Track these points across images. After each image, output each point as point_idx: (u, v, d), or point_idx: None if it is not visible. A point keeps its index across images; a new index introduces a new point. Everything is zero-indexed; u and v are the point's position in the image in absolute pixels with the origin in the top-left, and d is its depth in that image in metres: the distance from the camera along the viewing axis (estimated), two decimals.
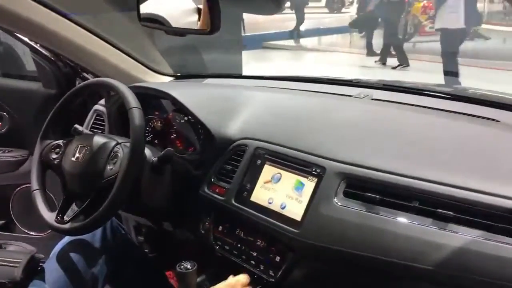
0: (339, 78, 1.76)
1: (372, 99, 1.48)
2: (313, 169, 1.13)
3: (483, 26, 10.09)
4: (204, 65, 2.68)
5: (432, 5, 9.47)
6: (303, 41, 11.02)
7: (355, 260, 1.02)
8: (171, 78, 1.92)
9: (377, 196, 1.02)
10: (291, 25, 10.84)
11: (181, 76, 1.95)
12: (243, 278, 1.17)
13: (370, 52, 8.52)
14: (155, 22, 1.27)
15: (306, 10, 11.51)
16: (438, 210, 0.95)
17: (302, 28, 11.11)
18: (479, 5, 10.10)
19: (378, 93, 1.52)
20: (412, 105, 1.38)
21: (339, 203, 1.06)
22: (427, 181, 0.99)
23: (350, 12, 10.54)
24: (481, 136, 1.16)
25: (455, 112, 1.30)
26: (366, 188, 1.04)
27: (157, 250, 1.91)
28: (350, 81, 1.71)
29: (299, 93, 1.59)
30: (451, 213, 0.93)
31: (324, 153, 1.14)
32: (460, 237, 0.91)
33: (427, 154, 1.08)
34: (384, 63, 7.83)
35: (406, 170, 1.02)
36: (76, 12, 1.54)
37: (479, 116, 1.27)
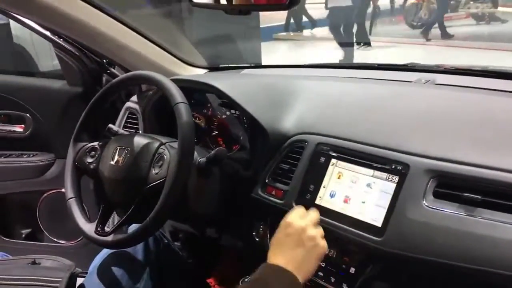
0: (391, 63, 1.60)
1: (436, 84, 1.32)
2: (393, 166, 0.98)
3: (499, 9, 9.87)
4: (227, 55, 2.54)
5: None
6: (314, 32, 10.84)
7: (452, 273, 0.87)
8: (205, 70, 1.77)
9: (479, 197, 0.86)
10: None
11: (215, 67, 1.80)
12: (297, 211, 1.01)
13: None
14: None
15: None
16: None
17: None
18: None
19: (440, 77, 1.37)
20: (483, 88, 1.22)
21: (430, 206, 0.91)
22: None
23: None
24: None
25: None
26: (462, 188, 0.89)
27: (196, 256, 1.78)
28: (404, 65, 1.55)
29: (353, 80, 1.43)
30: None
31: (405, 147, 0.99)
32: None
33: None
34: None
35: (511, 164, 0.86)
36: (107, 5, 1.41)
37: None
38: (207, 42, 2.21)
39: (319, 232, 0.96)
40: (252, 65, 1.86)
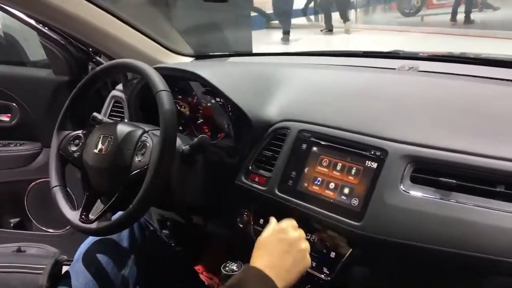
0: (376, 51, 1.61)
1: (419, 71, 1.33)
2: (372, 152, 1.00)
3: None
4: (216, 43, 2.53)
5: None
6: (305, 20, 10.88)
7: (429, 256, 0.88)
8: (191, 59, 1.77)
9: (454, 181, 0.88)
10: None
11: (201, 56, 1.80)
12: (291, 221, 1.03)
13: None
14: None
15: None
16: None
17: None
18: None
19: (423, 64, 1.38)
20: (465, 75, 1.24)
21: (407, 190, 0.92)
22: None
23: None
24: None
25: None
26: (438, 172, 0.91)
27: (184, 244, 1.80)
28: (389, 53, 1.56)
29: (337, 68, 1.44)
30: None
31: (384, 133, 1.00)
32: None
33: (504, 129, 0.94)
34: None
35: (487, 149, 0.88)
36: None
37: None
38: (195, 31, 2.20)
39: (308, 247, 0.98)
40: (239, 53, 1.87)
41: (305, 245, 0.97)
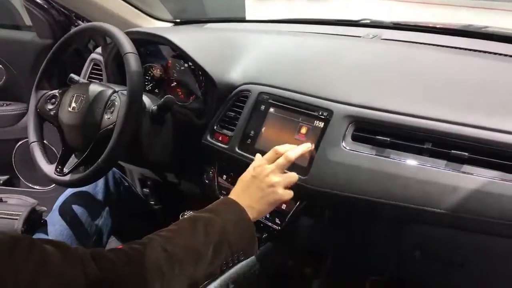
0: (347, 19, 1.66)
1: (382, 39, 1.40)
2: (320, 113, 1.08)
3: None
4: (204, 9, 2.55)
5: None
6: None
7: (365, 206, 0.98)
8: (170, 24, 1.83)
9: (388, 139, 0.96)
10: None
11: (180, 21, 1.86)
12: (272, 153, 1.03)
13: None
14: None
15: None
16: (452, 151, 0.90)
17: None
18: None
19: (387, 32, 1.44)
20: (423, 43, 1.30)
21: (348, 148, 1.01)
22: (439, 121, 0.93)
23: None
24: (496, 72, 1.08)
25: (468, 49, 1.22)
26: (376, 131, 0.99)
27: (163, 202, 1.89)
28: (358, 21, 1.62)
29: (304, 35, 1.51)
30: (466, 154, 0.88)
31: (331, 95, 1.08)
32: (476, 178, 0.87)
33: (439, 93, 1.01)
34: None
35: (418, 111, 0.96)
36: None
37: (491, 52, 1.18)
38: None
39: (283, 180, 0.99)
40: (218, 19, 1.92)
41: (275, 179, 0.98)
